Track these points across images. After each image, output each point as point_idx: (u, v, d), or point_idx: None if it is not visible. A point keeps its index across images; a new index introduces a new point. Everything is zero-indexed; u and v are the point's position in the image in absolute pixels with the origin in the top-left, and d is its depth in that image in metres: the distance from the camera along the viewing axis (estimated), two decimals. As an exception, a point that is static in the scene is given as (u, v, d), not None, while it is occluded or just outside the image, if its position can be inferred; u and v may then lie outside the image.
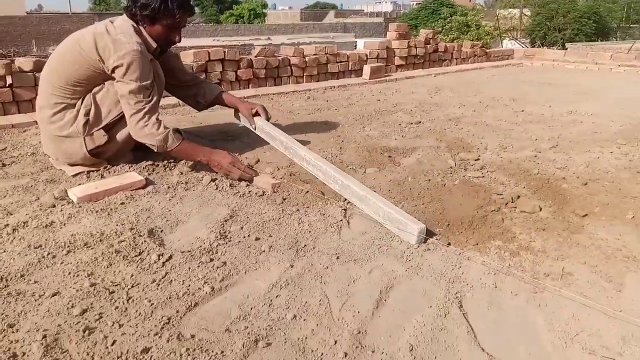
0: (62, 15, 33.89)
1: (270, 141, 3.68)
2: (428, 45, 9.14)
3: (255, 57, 6.65)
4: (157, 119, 3.13)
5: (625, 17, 29.70)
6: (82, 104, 3.14)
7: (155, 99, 3.13)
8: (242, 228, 2.49)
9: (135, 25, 3.12)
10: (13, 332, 1.68)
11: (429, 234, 2.45)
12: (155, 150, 3.19)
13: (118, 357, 1.57)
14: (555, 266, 2.20)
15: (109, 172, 3.21)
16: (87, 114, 3.13)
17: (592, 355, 1.67)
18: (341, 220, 2.61)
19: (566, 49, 13.27)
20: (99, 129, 3.16)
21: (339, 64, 7.61)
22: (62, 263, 2.10)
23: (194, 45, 13.98)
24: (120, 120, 3.18)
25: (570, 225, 2.60)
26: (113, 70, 3.02)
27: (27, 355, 1.57)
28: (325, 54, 7.38)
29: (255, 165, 3.42)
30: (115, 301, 1.86)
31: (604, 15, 24.36)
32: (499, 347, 1.70)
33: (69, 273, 2.03)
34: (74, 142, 3.15)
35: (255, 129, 3.77)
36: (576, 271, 2.17)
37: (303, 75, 7.17)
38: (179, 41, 3.32)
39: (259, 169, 3.31)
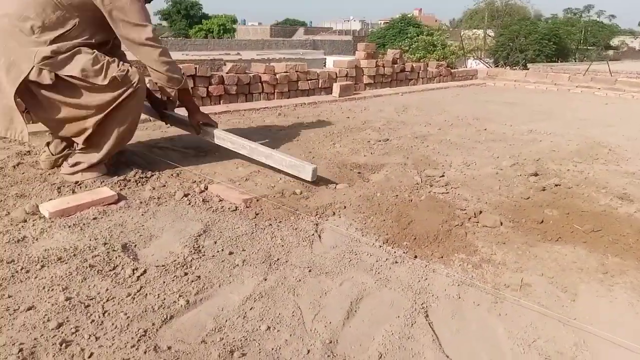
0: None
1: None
2: (395, 65, 9.39)
3: (227, 73, 6.72)
4: None
5: (583, 40, 31.04)
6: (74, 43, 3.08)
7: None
8: (215, 242, 2.54)
9: None
10: (-12, 346, 1.69)
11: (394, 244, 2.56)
12: (177, 87, 3.51)
13: (96, 369, 1.61)
14: (514, 277, 2.33)
15: (80, 187, 3.22)
16: (59, 52, 3.03)
17: (548, 360, 1.79)
18: (313, 235, 2.69)
19: (528, 68, 13.79)
20: (51, 71, 3.01)
21: (309, 81, 7.75)
22: (36, 277, 2.12)
23: (163, 60, 13.92)
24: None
25: (529, 238, 2.75)
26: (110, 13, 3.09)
27: (4, 369, 1.59)
28: (296, 71, 7.51)
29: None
30: (91, 315, 1.89)
31: (563, 38, 25.43)
32: (462, 354, 1.80)
33: (44, 287, 2.04)
34: (27, 49, 2.98)
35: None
36: (534, 282, 2.30)
37: (274, 92, 7.27)
38: None
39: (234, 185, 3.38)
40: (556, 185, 3.62)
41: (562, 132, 5.63)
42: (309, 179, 3.30)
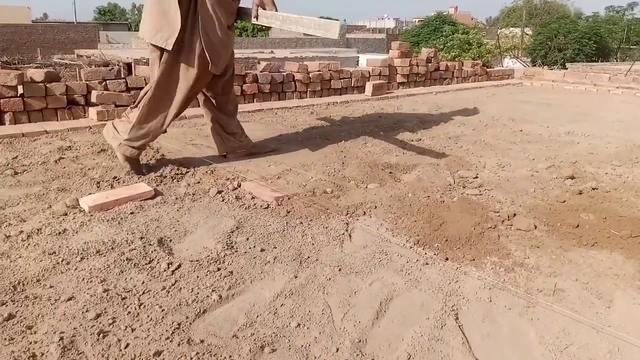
0: (67, 24, 34.12)
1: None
2: (429, 64, 9.29)
3: (261, 72, 6.78)
4: None
5: (625, 38, 30.06)
6: None
7: None
8: (247, 239, 2.58)
9: None
10: (31, 333, 1.77)
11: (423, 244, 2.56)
12: None
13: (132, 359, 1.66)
14: (548, 282, 2.29)
15: (119, 182, 3.31)
16: None
17: (581, 367, 1.76)
18: (343, 234, 2.71)
19: (566, 68, 13.45)
20: None
21: (342, 80, 7.75)
22: (76, 269, 2.20)
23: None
24: None
25: (564, 243, 2.70)
26: None
27: (46, 356, 1.66)
28: (329, 70, 7.52)
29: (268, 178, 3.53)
30: (128, 307, 1.95)
31: (604, 36, 24.64)
32: (492, 358, 1.78)
33: (83, 279, 2.12)
34: None
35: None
36: (568, 287, 2.26)
37: (307, 90, 7.30)
38: None
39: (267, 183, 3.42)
40: (593, 188, 3.53)
41: (601, 134, 5.48)
42: (336, 37, 3.29)
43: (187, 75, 3.48)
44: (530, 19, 31.43)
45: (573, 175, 3.80)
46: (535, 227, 2.87)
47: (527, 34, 28.31)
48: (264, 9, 3.77)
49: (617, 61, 23.20)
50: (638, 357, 1.81)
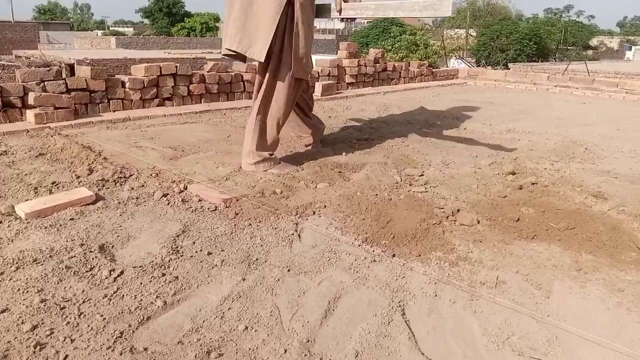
0: (3, 23, 32.54)
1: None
2: (377, 65, 9.41)
3: (208, 72, 6.68)
4: None
5: (563, 40, 31.52)
6: None
7: None
8: (194, 243, 2.53)
9: None
10: (-40, 349, 1.67)
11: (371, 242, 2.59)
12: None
13: (70, 371, 1.60)
14: (490, 275, 2.36)
15: (58, 187, 3.18)
16: None
17: (521, 356, 1.82)
18: (292, 234, 2.70)
19: (509, 68, 13.95)
20: None
21: (291, 80, 7.72)
22: (10, 280, 2.09)
23: (144, 58, 13.78)
24: None
25: (505, 236, 2.79)
26: None
27: (-24, 373, 1.57)
28: (278, 70, 7.48)
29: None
30: (67, 317, 1.87)
31: (544, 37, 25.78)
32: (438, 351, 1.82)
33: (18, 289, 2.02)
34: None
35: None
36: (509, 279, 2.33)
37: (255, 91, 7.23)
38: None
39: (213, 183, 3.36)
40: (533, 183, 3.67)
41: (540, 131, 5.71)
42: (449, 14, 3.25)
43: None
44: (474, 21, 32.44)
45: (514, 171, 3.94)
46: (478, 222, 2.95)
47: (471, 35, 29.23)
48: (346, 0, 3.75)
49: (555, 61, 24.26)
50: (575, 344, 1.89)
